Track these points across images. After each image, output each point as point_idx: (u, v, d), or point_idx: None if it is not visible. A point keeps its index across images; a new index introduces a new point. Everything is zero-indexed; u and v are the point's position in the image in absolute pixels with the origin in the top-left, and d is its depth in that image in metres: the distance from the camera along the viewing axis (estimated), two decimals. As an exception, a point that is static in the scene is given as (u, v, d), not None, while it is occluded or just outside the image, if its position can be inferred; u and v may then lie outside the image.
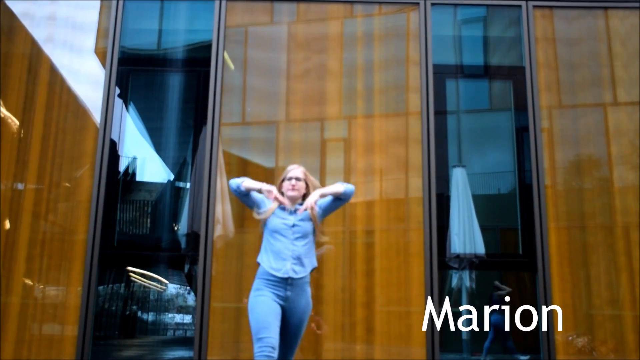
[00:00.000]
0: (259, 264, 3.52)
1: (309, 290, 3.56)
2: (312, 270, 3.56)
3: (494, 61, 6.15)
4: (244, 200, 3.65)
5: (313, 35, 5.85)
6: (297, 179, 3.65)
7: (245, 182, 3.61)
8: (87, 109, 5.61)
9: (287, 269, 3.43)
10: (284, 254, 3.47)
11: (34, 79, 5.65)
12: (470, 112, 6.22)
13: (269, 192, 3.57)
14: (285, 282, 3.43)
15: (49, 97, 5.60)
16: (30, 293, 5.21)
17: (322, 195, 3.59)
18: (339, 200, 3.61)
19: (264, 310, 3.36)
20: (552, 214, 5.36)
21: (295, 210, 3.60)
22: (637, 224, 5.34)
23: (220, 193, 5.34)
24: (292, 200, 3.63)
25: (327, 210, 3.66)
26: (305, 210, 3.57)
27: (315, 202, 3.55)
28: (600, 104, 5.72)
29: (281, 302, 3.43)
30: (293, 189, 3.62)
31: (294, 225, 3.53)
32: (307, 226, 3.56)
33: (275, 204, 3.58)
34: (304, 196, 3.69)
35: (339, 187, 3.58)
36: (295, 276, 3.44)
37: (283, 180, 3.69)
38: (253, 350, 3.21)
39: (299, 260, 3.48)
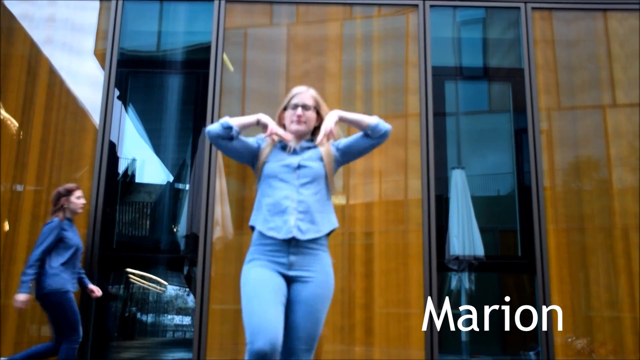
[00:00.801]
0: (252, 229, 2.59)
1: (328, 259, 2.56)
2: (331, 233, 2.58)
3: (493, 63, 6.16)
4: (234, 152, 2.63)
5: (312, 37, 5.85)
6: (305, 106, 2.63)
7: (233, 120, 2.60)
8: (87, 110, 5.61)
9: (289, 226, 2.43)
10: (284, 205, 2.47)
11: (33, 80, 5.65)
12: (469, 113, 6.22)
13: (265, 126, 2.61)
14: (288, 245, 2.45)
15: (48, 99, 5.61)
16: (29, 295, 5.20)
17: (342, 120, 2.58)
18: (368, 138, 2.61)
19: (258, 291, 2.44)
20: (551, 216, 5.36)
21: (302, 149, 2.61)
22: (636, 226, 5.35)
23: (219, 195, 5.34)
24: (298, 136, 2.65)
25: (351, 153, 2.66)
26: (325, 140, 2.59)
27: (335, 125, 2.55)
28: (599, 105, 5.73)
29: (285, 272, 2.46)
30: (299, 121, 2.63)
31: (299, 167, 2.54)
32: (318, 168, 2.56)
33: (269, 144, 2.65)
34: (314, 131, 2.70)
35: (371, 118, 2.59)
36: (301, 236, 2.44)
37: (285, 109, 2.69)
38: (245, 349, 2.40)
39: (307, 214, 2.48)
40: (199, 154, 5.47)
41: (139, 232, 7.60)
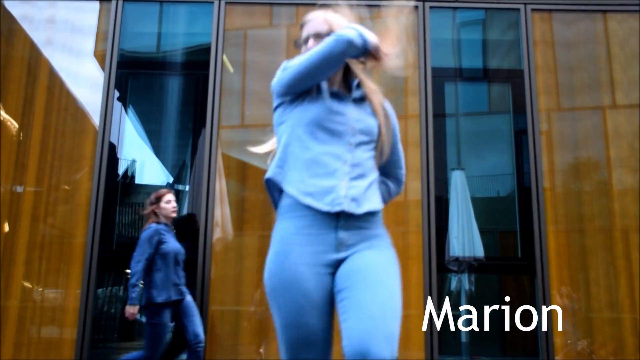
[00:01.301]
0: (267, 186, 1.90)
1: (386, 235, 1.93)
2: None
3: (492, 64, 6.16)
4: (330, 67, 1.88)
5: (312, 38, 5.85)
6: (317, 35, 2.03)
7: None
8: (86, 111, 5.61)
9: (339, 195, 1.76)
10: (333, 166, 1.80)
11: (33, 81, 5.65)
12: (469, 115, 6.22)
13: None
14: (335, 219, 1.77)
15: (48, 100, 5.61)
16: (29, 296, 5.20)
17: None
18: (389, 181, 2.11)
19: (294, 305, 1.74)
20: (550, 217, 5.36)
21: (356, 99, 1.96)
22: (636, 227, 5.34)
23: (219, 196, 5.34)
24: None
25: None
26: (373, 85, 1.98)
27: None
28: (599, 106, 5.73)
29: (331, 257, 1.77)
30: None
31: (356, 120, 1.90)
32: (374, 127, 1.95)
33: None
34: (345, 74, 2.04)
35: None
36: (355, 209, 1.77)
37: (299, 45, 2.10)
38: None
39: (364, 182, 1.83)
40: (198, 155, 5.47)
41: (138, 233, 7.58)
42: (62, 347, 5.06)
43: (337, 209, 1.75)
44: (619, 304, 5.26)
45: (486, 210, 6.02)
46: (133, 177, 6.78)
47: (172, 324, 4.44)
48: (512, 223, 5.66)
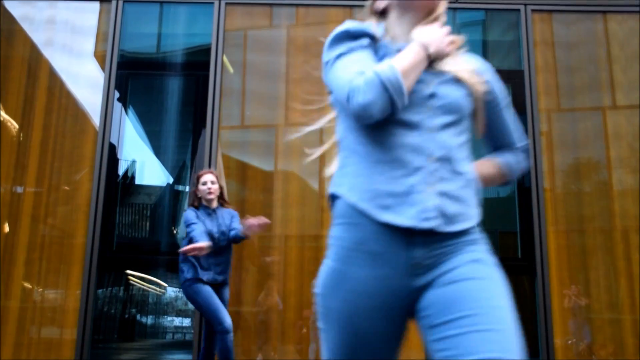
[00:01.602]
0: (332, 201, 1.44)
1: (482, 239, 1.50)
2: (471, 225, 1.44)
3: (492, 64, 6.05)
4: None
5: (312, 38, 5.85)
6: None
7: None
8: (87, 112, 5.61)
9: (426, 206, 1.30)
10: (414, 164, 1.33)
11: (33, 82, 5.66)
12: (469, 115, 6.21)
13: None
14: (409, 235, 1.30)
15: (49, 101, 5.61)
16: (29, 296, 5.20)
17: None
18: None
19: (343, 341, 1.34)
20: (551, 218, 5.36)
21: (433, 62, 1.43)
22: (636, 228, 5.34)
23: (219, 196, 5.34)
24: (420, 14, 1.53)
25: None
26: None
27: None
28: (599, 107, 5.73)
29: (406, 284, 1.31)
30: None
31: (432, 96, 1.39)
32: (460, 98, 1.43)
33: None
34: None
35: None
36: (446, 227, 1.33)
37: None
38: None
39: (455, 183, 1.36)
40: (199, 156, 5.47)
41: (139, 234, 7.59)
42: (62, 347, 5.06)
43: (425, 225, 1.29)
44: (619, 304, 5.26)
45: (486, 211, 5.97)
46: (133, 177, 6.79)
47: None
48: (512, 223, 5.66)
